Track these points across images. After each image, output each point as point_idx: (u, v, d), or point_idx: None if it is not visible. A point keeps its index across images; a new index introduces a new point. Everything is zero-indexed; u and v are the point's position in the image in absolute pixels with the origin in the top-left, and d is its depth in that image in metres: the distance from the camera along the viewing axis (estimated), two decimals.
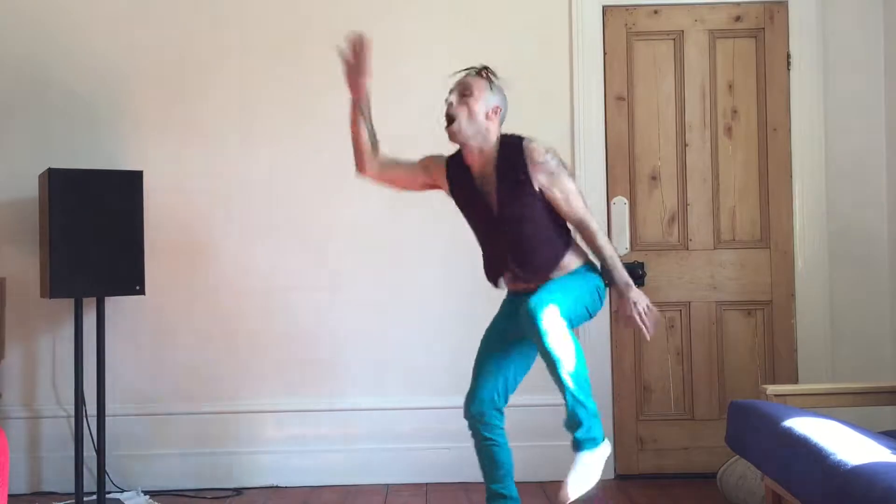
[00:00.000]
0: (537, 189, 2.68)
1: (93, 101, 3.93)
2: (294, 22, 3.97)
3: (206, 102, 3.95)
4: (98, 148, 3.90)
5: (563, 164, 2.75)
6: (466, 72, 2.81)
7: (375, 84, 3.92)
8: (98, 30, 3.95)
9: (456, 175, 2.83)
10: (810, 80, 3.94)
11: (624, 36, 3.97)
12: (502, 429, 2.88)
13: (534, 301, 2.53)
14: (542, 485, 3.80)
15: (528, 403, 3.86)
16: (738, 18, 3.97)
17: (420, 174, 2.94)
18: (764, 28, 3.97)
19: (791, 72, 3.96)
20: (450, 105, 2.74)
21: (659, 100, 3.99)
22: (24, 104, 3.94)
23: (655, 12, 3.96)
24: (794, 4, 3.95)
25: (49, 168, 3.45)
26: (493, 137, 2.75)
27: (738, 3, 3.97)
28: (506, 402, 2.88)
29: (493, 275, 2.84)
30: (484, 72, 2.79)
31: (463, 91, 2.74)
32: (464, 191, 2.81)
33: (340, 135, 3.94)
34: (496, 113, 2.75)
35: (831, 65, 3.95)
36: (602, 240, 2.73)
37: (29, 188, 3.80)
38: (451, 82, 2.82)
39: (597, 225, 2.74)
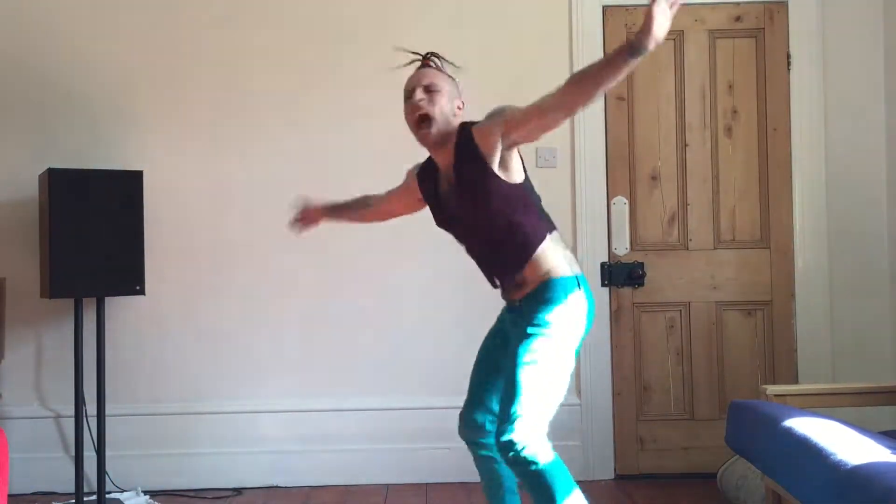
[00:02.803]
0: (496, 167, 2.40)
1: (93, 101, 3.93)
2: (294, 22, 3.97)
3: (206, 102, 3.95)
4: (98, 148, 3.90)
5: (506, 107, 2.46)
6: (414, 60, 2.59)
7: (376, 83, 3.95)
8: (98, 30, 3.95)
9: (425, 182, 2.64)
10: (810, 80, 3.94)
11: (624, 36, 3.97)
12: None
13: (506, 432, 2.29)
14: None
15: None
16: (738, 18, 3.97)
17: (407, 192, 2.77)
18: (764, 28, 3.97)
19: (791, 72, 3.96)
20: (418, 104, 2.45)
21: (659, 100, 3.99)
22: (24, 104, 3.94)
23: None
24: (794, 4, 3.95)
25: (49, 168, 3.45)
26: (455, 134, 2.49)
27: (738, 3, 3.97)
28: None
29: (489, 280, 2.64)
30: (435, 60, 2.55)
31: (428, 87, 2.48)
32: (433, 196, 2.62)
33: (340, 134, 3.97)
34: (461, 108, 2.54)
35: (831, 65, 3.95)
36: (584, 72, 2.25)
37: (29, 188, 3.80)
38: (401, 76, 2.57)
39: (564, 84, 2.28)
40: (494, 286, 2.62)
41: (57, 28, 3.94)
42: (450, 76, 2.56)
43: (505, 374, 2.42)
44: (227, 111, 3.95)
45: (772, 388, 3.11)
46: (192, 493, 3.81)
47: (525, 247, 2.44)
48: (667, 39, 4.01)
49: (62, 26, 3.94)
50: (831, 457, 2.25)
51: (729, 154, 3.99)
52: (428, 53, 2.57)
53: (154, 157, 3.90)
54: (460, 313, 3.93)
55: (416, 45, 3.89)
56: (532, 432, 2.31)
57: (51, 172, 3.43)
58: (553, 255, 2.46)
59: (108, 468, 3.67)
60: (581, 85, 2.23)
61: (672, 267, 3.97)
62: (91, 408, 3.66)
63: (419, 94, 2.48)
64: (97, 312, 3.60)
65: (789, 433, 2.53)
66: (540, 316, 2.40)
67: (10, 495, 3.42)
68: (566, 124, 3.86)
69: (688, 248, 3.98)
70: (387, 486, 3.87)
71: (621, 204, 3.96)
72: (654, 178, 3.99)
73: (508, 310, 2.62)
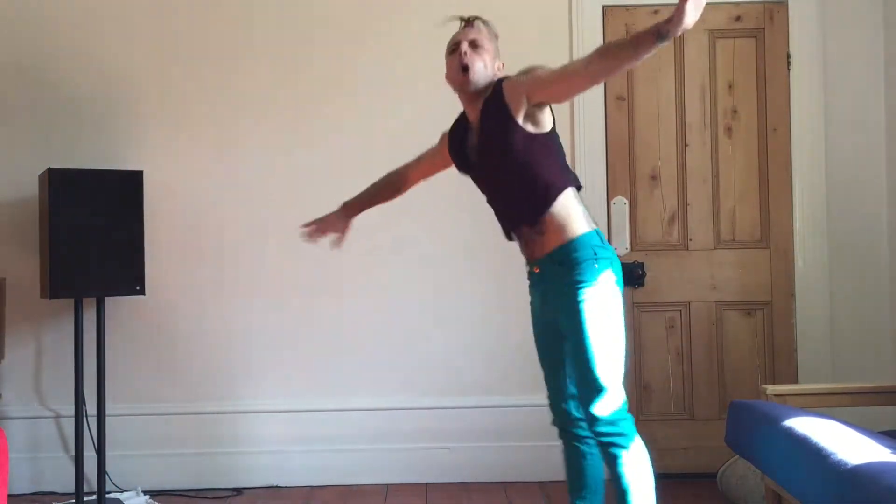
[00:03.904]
0: (520, 118, 2.48)
1: (93, 101, 3.93)
2: (295, 22, 3.97)
3: (206, 102, 3.95)
4: (98, 148, 3.90)
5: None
6: (461, 21, 2.68)
7: (376, 83, 3.95)
8: (98, 30, 3.95)
9: (455, 135, 2.71)
10: (810, 80, 3.94)
11: (624, 36, 3.96)
12: (591, 437, 2.60)
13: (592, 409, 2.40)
14: (542, 485, 3.80)
15: (527, 404, 3.87)
16: (738, 18, 3.97)
17: (442, 150, 2.82)
18: (764, 28, 3.98)
19: (791, 72, 3.96)
20: (464, 54, 2.55)
21: (659, 100, 3.99)
22: (25, 104, 3.94)
23: (655, 12, 3.96)
24: (794, 4, 3.95)
25: (49, 168, 3.45)
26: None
27: (738, 3, 3.97)
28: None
29: (504, 229, 2.67)
30: (482, 22, 2.67)
31: (473, 41, 2.59)
32: (461, 153, 2.69)
33: (341, 134, 3.97)
34: (501, 69, 2.64)
35: (831, 65, 3.95)
36: (611, 46, 2.38)
37: (29, 188, 3.80)
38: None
39: (592, 52, 2.40)
40: (510, 238, 2.65)
41: (57, 28, 3.94)
42: (494, 36, 2.66)
43: (571, 351, 2.48)
44: (228, 111, 3.95)
45: (772, 388, 3.11)
46: (192, 493, 3.81)
47: (546, 193, 2.49)
48: None
49: (62, 26, 3.94)
50: (831, 457, 2.25)
51: (729, 154, 3.99)
52: (473, 17, 2.67)
53: (154, 157, 3.90)
54: (461, 314, 3.94)
55: (416, 44, 3.92)
56: (620, 401, 2.43)
57: (51, 172, 3.43)
58: (573, 209, 2.51)
59: (108, 468, 3.67)
60: (607, 58, 2.34)
61: (672, 267, 3.97)
62: (91, 408, 3.65)
63: (465, 46, 2.58)
64: (97, 312, 3.60)
65: (789, 433, 2.53)
66: (577, 277, 2.44)
67: (10, 495, 3.43)
68: (566, 124, 3.89)
69: (688, 248, 3.98)
70: (387, 486, 3.87)
71: (621, 204, 3.96)
72: (654, 178, 3.99)
73: (533, 286, 2.63)
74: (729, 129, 3.99)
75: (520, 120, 2.49)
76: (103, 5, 3.96)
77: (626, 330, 2.51)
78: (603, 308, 2.44)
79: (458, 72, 2.57)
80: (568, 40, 3.95)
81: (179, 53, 3.96)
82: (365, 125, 3.94)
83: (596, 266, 2.45)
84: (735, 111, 3.99)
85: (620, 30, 3.96)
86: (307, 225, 2.97)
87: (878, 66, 3.95)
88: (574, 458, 2.67)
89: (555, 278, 2.50)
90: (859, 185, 3.95)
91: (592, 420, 2.43)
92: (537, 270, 2.58)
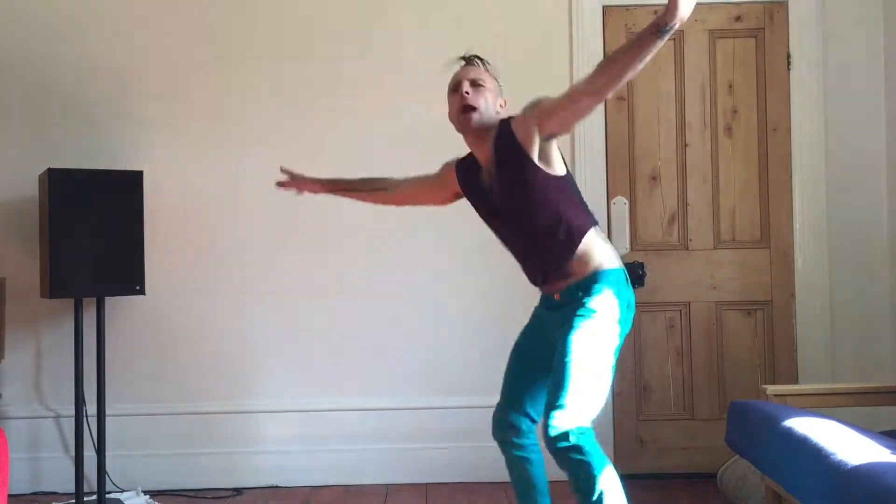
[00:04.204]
0: (536, 158, 2.46)
1: (93, 101, 3.93)
2: (295, 22, 3.97)
3: (206, 102, 3.95)
4: (98, 148, 3.90)
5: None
6: (462, 61, 2.66)
7: (376, 83, 3.95)
8: (98, 30, 3.95)
9: (467, 177, 2.68)
10: (810, 80, 3.94)
11: (624, 36, 3.97)
12: (535, 444, 2.66)
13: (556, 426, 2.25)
14: None
15: None
16: (738, 18, 3.97)
17: (439, 185, 2.79)
18: (764, 28, 3.98)
19: (791, 72, 3.96)
20: (464, 95, 2.53)
21: (659, 100, 3.99)
22: (24, 104, 3.94)
23: (655, 12, 3.93)
24: (794, 4, 3.95)
25: (49, 168, 3.45)
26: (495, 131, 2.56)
27: (738, 3, 3.97)
28: (534, 424, 2.66)
29: (532, 279, 2.63)
30: (480, 61, 2.64)
31: (474, 81, 2.56)
32: (475, 191, 2.65)
33: (342, 134, 3.97)
34: (503, 107, 2.62)
35: (831, 65, 3.95)
36: (613, 56, 2.36)
37: (29, 188, 3.80)
38: (446, 72, 2.65)
39: (593, 69, 2.38)
40: (535, 283, 2.63)
41: (57, 28, 3.94)
42: (493, 76, 2.63)
43: (554, 365, 2.41)
44: (228, 111, 3.95)
45: (772, 388, 3.11)
46: (192, 493, 3.81)
47: (571, 238, 2.48)
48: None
49: (62, 26, 3.94)
50: (831, 457, 2.25)
51: (729, 154, 3.99)
52: (472, 55, 2.65)
53: (154, 157, 3.90)
54: (462, 314, 3.94)
55: (416, 45, 3.92)
56: (579, 422, 2.28)
57: (51, 172, 3.43)
58: (599, 247, 2.51)
59: (108, 468, 3.67)
60: (610, 69, 2.31)
61: (672, 267, 3.97)
62: (91, 408, 3.65)
63: (466, 86, 2.55)
64: (97, 312, 3.60)
65: (789, 433, 2.53)
66: (590, 304, 2.43)
67: (10, 495, 3.43)
68: None
69: (688, 248, 3.99)
70: (387, 486, 3.87)
71: (621, 204, 3.96)
72: (654, 178, 3.99)
73: (547, 308, 2.62)
74: (729, 129, 3.99)
75: (535, 158, 2.46)
76: (103, 5, 3.96)
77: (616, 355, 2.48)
78: (600, 335, 2.41)
79: (461, 112, 2.54)
80: (568, 40, 3.95)
81: (180, 53, 3.95)
82: (365, 125, 3.94)
83: (611, 300, 2.44)
84: (735, 111, 3.99)
85: (620, 30, 3.96)
86: (286, 171, 2.99)
87: (878, 66, 3.95)
88: (518, 466, 2.68)
89: (572, 302, 2.48)
90: (859, 185, 3.95)
91: (547, 433, 2.29)
92: (558, 298, 2.54)
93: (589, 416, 2.32)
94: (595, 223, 2.56)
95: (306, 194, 3.06)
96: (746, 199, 3.99)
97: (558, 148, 2.54)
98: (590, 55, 3.92)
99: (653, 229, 3.99)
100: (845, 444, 2.32)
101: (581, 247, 2.48)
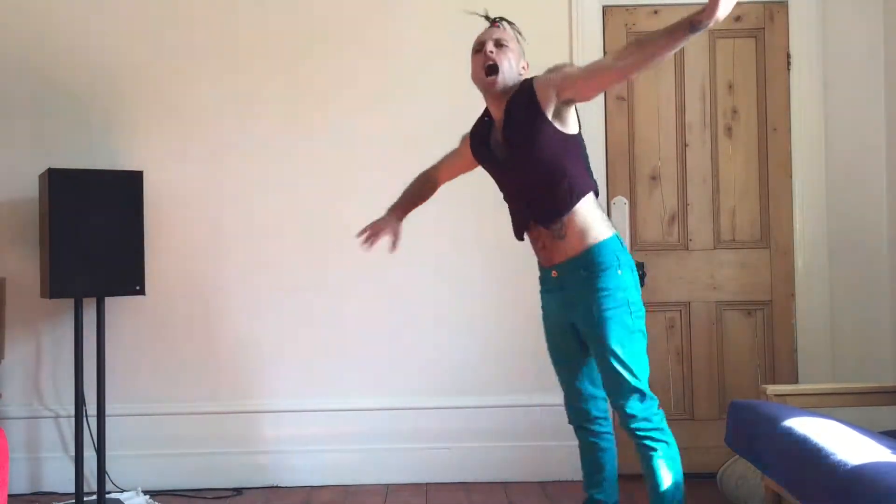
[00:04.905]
0: (550, 114, 2.49)
1: (93, 101, 3.93)
2: (296, 23, 3.97)
3: (206, 102, 3.95)
4: (98, 148, 3.90)
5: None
6: (486, 18, 2.70)
7: (377, 83, 3.95)
8: (98, 30, 3.94)
9: (478, 137, 2.72)
10: (810, 80, 3.94)
11: (624, 36, 3.97)
12: (608, 432, 2.76)
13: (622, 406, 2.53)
14: (542, 485, 3.80)
15: (526, 403, 3.87)
16: (738, 18, 3.97)
17: (467, 156, 2.83)
18: (764, 28, 3.98)
19: (791, 72, 3.96)
20: (489, 54, 2.56)
21: (659, 100, 3.99)
22: (24, 104, 3.94)
23: (655, 12, 3.96)
24: (794, 4, 3.95)
25: (49, 168, 3.45)
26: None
27: (738, 3, 3.93)
28: (603, 402, 2.72)
29: (517, 229, 2.69)
30: (506, 24, 2.67)
31: (498, 41, 2.60)
32: (484, 150, 2.69)
33: (342, 134, 3.97)
34: (526, 68, 2.65)
35: (831, 65, 3.95)
36: (644, 40, 2.36)
37: (29, 188, 3.80)
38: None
39: (622, 47, 2.46)
40: (521, 237, 2.68)
41: (57, 28, 3.94)
42: (518, 38, 2.67)
43: (598, 356, 2.55)
44: (227, 111, 3.95)
45: (772, 388, 3.11)
46: (192, 493, 3.81)
47: (571, 192, 2.52)
48: None
49: (62, 26, 3.94)
50: (831, 457, 2.25)
51: (729, 154, 3.99)
52: (498, 17, 2.69)
53: (154, 157, 3.90)
54: (462, 314, 3.94)
55: (418, 44, 3.92)
56: (649, 399, 2.55)
57: (51, 172, 3.43)
58: (594, 217, 2.56)
59: (108, 468, 3.67)
60: (639, 51, 2.34)
61: (672, 267, 3.97)
62: (91, 408, 3.65)
63: (490, 45, 2.58)
64: (97, 312, 3.60)
65: (789, 433, 2.53)
66: (602, 284, 2.51)
67: (10, 495, 3.42)
68: None
69: (688, 248, 3.99)
70: (387, 486, 3.87)
71: (621, 204, 3.96)
72: (654, 178, 3.99)
73: (548, 291, 2.67)
74: (729, 129, 3.99)
75: (549, 115, 2.50)
76: (104, 5, 3.95)
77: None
78: (628, 313, 2.52)
79: (485, 71, 2.57)
80: (568, 40, 3.95)
81: (180, 54, 3.95)
82: (365, 126, 3.94)
83: (619, 273, 2.52)
84: (735, 111, 3.99)
85: (620, 30, 3.96)
86: (362, 231, 2.93)
87: (878, 66, 3.95)
88: (592, 453, 2.75)
89: (576, 284, 2.54)
90: (859, 185, 3.95)
91: (628, 419, 2.51)
92: (555, 275, 2.60)
93: (648, 391, 2.56)
94: (597, 191, 2.60)
95: (395, 239, 2.96)
96: (746, 199, 3.98)
97: (576, 112, 2.58)
98: (590, 55, 3.91)
99: (653, 229, 3.99)
100: (845, 444, 2.32)
101: (579, 208, 2.53)
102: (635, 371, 2.54)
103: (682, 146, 3.99)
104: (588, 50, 3.90)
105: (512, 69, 2.58)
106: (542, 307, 2.75)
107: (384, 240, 2.91)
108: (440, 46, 3.92)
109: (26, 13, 3.94)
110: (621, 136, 3.98)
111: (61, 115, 3.93)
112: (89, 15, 3.95)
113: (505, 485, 3.83)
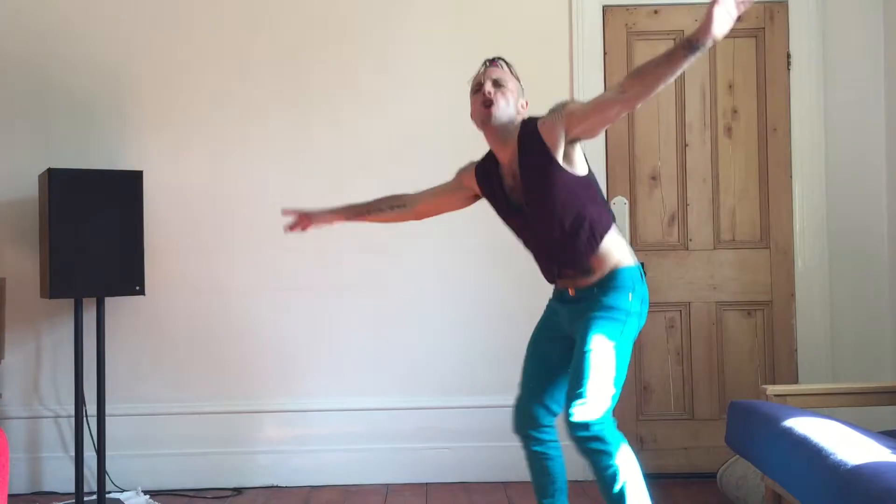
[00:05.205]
0: (560, 159, 2.49)
1: (93, 101, 3.93)
2: (296, 23, 3.96)
3: (206, 102, 3.95)
4: (98, 148, 3.90)
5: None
6: (486, 63, 2.68)
7: (376, 85, 3.95)
8: (98, 30, 3.94)
9: (485, 176, 2.70)
10: (810, 80, 3.94)
11: (624, 36, 3.97)
12: (554, 440, 2.72)
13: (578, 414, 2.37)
14: None
15: None
16: (737, 18, 3.96)
17: (458, 190, 2.82)
18: (764, 28, 3.98)
19: (791, 72, 3.96)
20: (486, 93, 2.56)
21: (659, 100, 3.99)
22: (25, 104, 3.94)
23: (655, 12, 3.96)
24: (794, 4, 3.95)
25: (49, 168, 3.45)
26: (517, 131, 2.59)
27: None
28: (552, 417, 2.71)
29: (547, 276, 2.68)
30: (502, 62, 2.67)
31: (497, 81, 2.59)
32: (494, 191, 2.68)
33: (342, 134, 3.97)
34: (525, 107, 2.64)
35: (831, 65, 3.95)
36: (644, 68, 2.36)
37: (29, 188, 3.80)
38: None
39: (624, 79, 2.41)
40: (551, 280, 2.67)
41: (57, 28, 3.94)
42: (515, 77, 2.65)
43: (574, 357, 2.49)
44: (227, 111, 3.95)
45: (772, 388, 3.11)
46: (192, 493, 3.81)
47: (593, 237, 2.52)
48: (666, 39, 4.03)
49: (62, 26, 3.94)
50: (831, 457, 2.25)
51: (729, 154, 3.99)
52: (496, 57, 2.67)
53: (154, 157, 3.90)
54: (462, 314, 3.94)
55: (417, 48, 3.92)
56: (599, 412, 2.39)
57: (51, 172, 3.43)
58: (617, 245, 2.56)
59: (108, 468, 3.67)
60: (641, 80, 2.34)
61: (672, 267, 3.98)
62: (91, 408, 3.66)
63: (488, 86, 2.58)
64: (97, 312, 3.60)
65: (789, 433, 2.53)
66: (609, 301, 2.50)
67: (10, 495, 3.43)
68: None
69: (688, 248, 3.99)
70: (387, 486, 3.87)
71: (621, 204, 3.96)
72: (654, 178, 3.99)
73: (560, 301, 2.67)
74: (729, 129, 3.99)
75: (559, 159, 2.49)
76: (104, 5, 3.96)
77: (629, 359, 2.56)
78: (619, 330, 2.49)
79: (482, 108, 2.57)
80: (568, 40, 3.95)
81: (180, 54, 3.95)
82: (364, 127, 3.94)
83: (629, 298, 2.53)
84: (735, 111, 3.99)
85: (620, 30, 3.96)
86: (290, 211, 2.95)
87: (878, 66, 3.95)
88: (539, 461, 2.72)
89: (588, 299, 2.55)
90: (859, 185, 3.95)
91: (569, 423, 2.39)
92: (573, 294, 2.60)
93: (607, 406, 2.41)
94: (614, 220, 2.61)
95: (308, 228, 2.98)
96: (746, 199, 3.99)
97: (581, 148, 2.57)
98: (590, 55, 3.93)
99: (653, 229, 3.99)
100: (845, 444, 2.32)
101: (603, 245, 2.53)
102: (599, 377, 2.42)
103: (682, 146, 3.99)
104: (588, 50, 3.91)
105: (509, 106, 2.57)
106: (547, 307, 2.75)
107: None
108: (440, 49, 3.92)
109: (27, 13, 3.94)
110: (621, 135, 3.98)
111: (61, 115, 3.93)
112: (89, 15, 3.95)
113: (505, 485, 3.83)
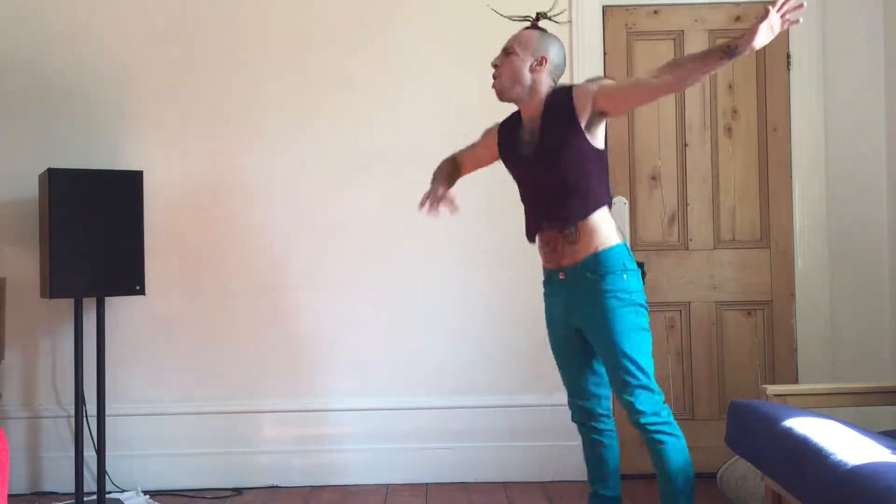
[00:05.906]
0: (583, 125, 2.58)
1: (93, 101, 3.93)
2: (296, 22, 3.96)
3: (206, 102, 3.95)
4: (98, 148, 3.90)
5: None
6: (524, 22, 2.77)
7: (375, 84, 3.95)
8: (98, 29, 3.94)
9: (506, 132, 2.81)
10: (810, 80, 3.94)
11: (624, 36, 3.97)
12: (610, 430, 2.83)
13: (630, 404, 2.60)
14: (542, 485, 3.80)
15: (526, 404, 3.87)
16: (738, 18, 3.97)
17: (487, 149, 2.89)
18: None
19: (791, 72, 3.96)
20: (495, 65, 2.70)
21: (659, 100, 3.98)
22: (25, 104, 3.94)
23: (655, 12, 3.96)
24: None
25: (49, 168, 3.45)
26: (543, 88, 2.67)
27: (738, 3, 3.97)
28: (606, 401, 2.80)
29: (530, 231, 2.75)
30: (536, 21, 2.75)
31: (507, 49, 2.71)
32: (510, 146, 2.77)
33: (341, 134, 3.97)
34: (541, 64, 2.66)
35: (831, 65, 3.95)
36: (679, 62, 2.48)
37: (29, 188, 3.80)
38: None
39: (659, 68, 2.51)
40: (532, 239, 2.74)
41: (57, 28, 3.94)
42: (545, 36, 2.71)
43: (605, 357, 2.63)
44: (228, 111, 3.95)
45: (772, 388, 3.11)
46: (192, 493, 3.81)
47: (586, 201, 2.61)
48: (666, 39, 4.03)
49: (62, 26, 3.94)
50: (831, 457, 2.25)
51: (729, 154, 3.99)
52: (537, 15, 2.77)
53: (154, 157, 3.90)
54: (463, 314, 3.94)
55: (417, 45, 3.92)
56: (657, 395, 2.61)
57: (51, 172, 3.43)
58: (606, 221, 2.65)
59: (108, 468, 3.67)
60: (674, 71, 2.45)
61: (672, 267, 3.97)
62: (91, 408, 3.66)
63: (497, 58, 2.72)
64: (97, 312, 3.60)
65: (789, 433, 2.53)
66: (608, 286, 2.60)
67: (10, 495, 3.43)
68: None
69: (688, 248, 3.99)
70: (387, 486, 3.87)
71: (621, 204, 3.96)
72: (654, 178, 3.99)
73: (552, 293, 2.74)
74: (729, 129, 3.99)
75: (583, 125, 2.59)
76: (104, 5, 3.95)
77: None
78: (633, 312, 2.61)
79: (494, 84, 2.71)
80: (568, 40, 3.94)
81: (180, 54, 3.95)
82: (365, 125, 3.94)
83: (625, 277, 2.61)
84: (735, 111, 3.99)
85: (620, 30, 3.96)
86: (422, 203, 2.78)
87: (878, 66, 3.95)
88: (595, 449, 2.82)
89: (583, 287, 2.62)
90: (859, 185, 3.95)
91: (637, 415, 2.57)
92: (563, 277, 2.66)
93: (655, 386, 2.62)
94: (610, 206, 2.69)
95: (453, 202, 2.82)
96: (746, 199, 3.99)
97: (604, 127, 2.66)
98: (590, 55, 3.92)
99: (653, 229, 3.99)
100: (845, 444, 2.31)
101: (594, 216, 2.61)
102: (643, 367, 2.60)
103: (682, 146, 3.99)
104: (588, 50, 3.91)
105: (512, 80, 2.67)
106: (546, 309, 2.81)
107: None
108: (443, 46, 3.92)
109: (27, 13, 3.94)
110: (621, 135, 3.98)
111: (61, 115, 3.93)
112: (90, 15, 3.95)
113: (505, 485, 3.83)
